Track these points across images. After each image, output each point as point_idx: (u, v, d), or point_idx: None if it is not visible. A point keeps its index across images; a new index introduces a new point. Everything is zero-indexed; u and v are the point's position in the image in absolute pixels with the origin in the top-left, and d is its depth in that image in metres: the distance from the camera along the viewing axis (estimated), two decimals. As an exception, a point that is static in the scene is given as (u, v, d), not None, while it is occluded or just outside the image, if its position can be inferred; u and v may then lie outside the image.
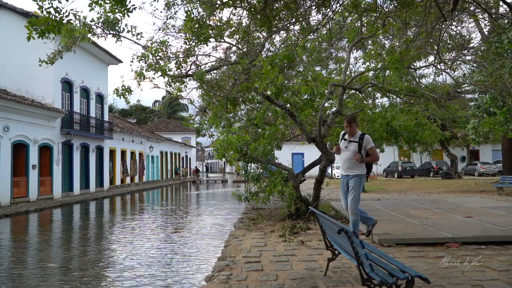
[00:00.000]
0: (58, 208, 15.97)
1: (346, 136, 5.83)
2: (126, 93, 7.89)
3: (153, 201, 20.02)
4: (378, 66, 9.40)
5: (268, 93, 8.39)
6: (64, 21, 3.96)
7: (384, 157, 22.37)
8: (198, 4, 7.03)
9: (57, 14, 3.87)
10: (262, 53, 8.94)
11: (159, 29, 8.55)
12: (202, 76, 7.80)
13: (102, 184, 25.01)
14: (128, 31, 7.67)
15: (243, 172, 9.89)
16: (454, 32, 9.67)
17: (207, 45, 7.21)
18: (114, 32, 7.53)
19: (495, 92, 10.49)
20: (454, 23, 8.78)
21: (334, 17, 8.16)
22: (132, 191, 25.02)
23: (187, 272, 6.03)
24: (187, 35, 7.14)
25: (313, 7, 6.38)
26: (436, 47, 6.92)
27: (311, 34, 8.43)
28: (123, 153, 29.16)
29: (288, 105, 9.03)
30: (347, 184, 5.74)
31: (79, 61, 21.53)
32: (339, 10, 7.55)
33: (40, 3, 3.81)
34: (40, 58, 8.00)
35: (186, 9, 6.66)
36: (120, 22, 7.48)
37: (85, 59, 22.71)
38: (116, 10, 4.28)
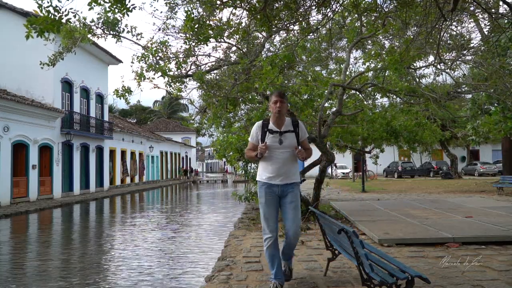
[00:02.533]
0: (58, 208, 15.97)
1: (272, 126, 3.98)
2: (126, 94, 7.89)
3: (153, 201, 20.02)
4: (378, 66, 9.40)
5: (268, 93, 8.39)
6: (63, 20, 3.96)
7: (384, 157, 22.32)
8: (198, 4, 7.03)
9: (56, 13, 3.87)
10: (262, 53, 8.94)
11: (159, 29, 8.56)
12: (202, 76, 7.80)
13: (102, 184, 25.01)
14: (128, 32, 7.68)
15: (243, 172, 9.89)
16: (454, 32, 9.67)
17: (207, 45, 7.21)
18: (114, 33, 7.53)
19: (492, 91, 10.48)
20: (454, 23, 8.78)
21: (334, 17, 8.15)
22: (132, 191, 25.02)
23: (187, 272, 6.02)
24: (187, 35, 7.14)
25: (313, 7, 6.38)
26: (436, 47, 6.91)
27: (311, 34, 8.42)
28: (123, 153, 29.17)
29: (288, 105, 9.03)
30: (282, 197, 3.97)
31: (79, 61, 21.53)
32: (339, 10, 7.54)
33: (40, 2, 3.80)
34: (41, 60, 8.03)
35: (186, 9, 6.66)
36: (120, 23, 7.48)
37: (85, 59, 22.72)
38: (116, 10, 4.27)
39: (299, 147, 3.99)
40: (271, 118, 4.05)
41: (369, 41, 10.79)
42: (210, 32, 6.53)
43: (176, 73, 7.99)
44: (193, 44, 7.49)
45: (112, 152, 27.10)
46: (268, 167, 3.97)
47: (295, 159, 3.98)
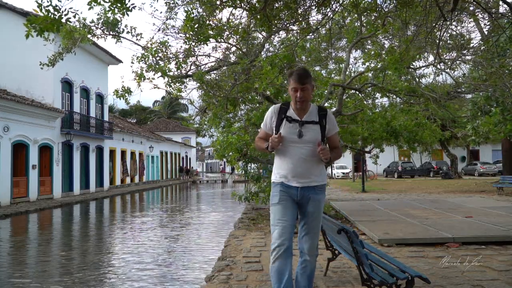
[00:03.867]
0: (58, 208, 15.96)
1: (292, 113, 3.07)
2: (126, 94, 7.90)
3: (153, 201, 20.02)
4: (378, 66, 9.40)
5: (268, 93, 8.39)
6: (63, 20, 3.96)
7: (384, 157, 22.31)
8: (198, 4, 7.03)
9: (56, 13, 3.86)
10: (262, 53, 8.94)
11: (159, 30, 8.56)
12: (202, 76, 7.80)
13: (102, 184, 25.00)
14: (128, 32, 7.68)
15: (243, 172, 9.89)
16: (454, 32, 9.67)
17: (207, 45, 7.22)
18: (114, 33, 7.53)
19: (492, 91, 10.50)
20: (454, 23, 8.79)
21: (333, 17, 8.15)
22: (132, 191, 25.02)
23: (187, 272, 6.02)
24: (187, 35, 7.14)
25: (313, 7, 6.38)
26: (436, 47, 6.91)
27: (311, 34, 8.43)
28: (123, 153, 29.16)
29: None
30: (301, 204, 3.08)
31: (79, 61, 21.51)
32: (339, 10, 7.55)
33: (39, 1, 3.80)
34: (41, 60, 8.05)
35: (186, 9, 6.66)
36: (119, 23, 7.48)
37: (85, 59, 22.70)
38: (116, 10, 4.27)
39: (324, 144, 3.03)
40: (292, 103, 3.11)
41: (369, 41, 10.79)
42: (210, 32, 6.53)
43: (176, 73, 8.00)
44: (193, 44, 7.50)
45: (112, 152, 27.09)
46: (282, 165, 3.08)
47: (319, 157, 3.01)
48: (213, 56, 12.29)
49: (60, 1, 3.96)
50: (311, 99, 3.18)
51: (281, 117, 3.08)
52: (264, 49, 9.46)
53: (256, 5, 5.76)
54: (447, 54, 9.78)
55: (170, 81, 8.00)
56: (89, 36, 7.33)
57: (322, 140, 3.03)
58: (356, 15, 8.25)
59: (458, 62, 9.64)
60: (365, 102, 12.49)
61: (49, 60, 8.03)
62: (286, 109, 3.09)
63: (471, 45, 10.24)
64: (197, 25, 6.32)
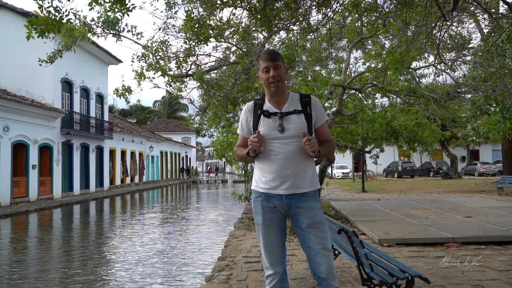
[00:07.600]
0: (58, 208, 15.97)
1: (269, 106, 2.58)
2: (126, 93, 7.90)
3: (153, 201, 20.02)
4: (379, 67, 9.41)
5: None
6: (64, 21, 3.96)
7: (384, 157, 22.31)
8: (198, 4, 7.03)
9: (57, 14, 3.87)
10: (262, 53, 8.93)
11: (159, 29, 8.56)
12: (202, 76, 7.80)
13: (102, 184, 25.01)
14: (128, 31, 7.68)
15: (243, 172, 9.89)
16: (454, 33, 9.68)
17: (207, 45, 7.23)
18: (114, 32, 7.53)
19: (492, 91, 10.51)
20: (454, 24, 8.80)
21: (334, 17, 8.16)
22: (132, 191, 25.02)
23: (187, 272, 6.03)
24: (187, 35, 7.14)
25: (313, 7, 6.38)
26: (436, 47, 6.92)
27: (311, 34, 8.43)
28: (123, 153, 29.16)
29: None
30: (292, 217, 2.53)
31: (79, 61, 21.52)
32: (339, 10, 7.55)
33: (40, 2, 3.81)
34: (40, 58, 8.02)
35: (186, 8, 6.66)
36: (120, 22, 7.48)
37: (85, 59, 22.71)
38: (116, 10, 4.28)
39: (311, 136, 2.47)
40: (266, 94, 2.64)
41: (370, 41, 10.80)
42: (210, 32, 6.53)
43: (176, 72, 8.00)
44: (193, 44, 7.50)
45: (112, 152, 27.10)
46: (265, 168, 2.54)
47: (308, 154, 2.47)
48: (214, 56, 12.27)
49: (61, 2, 3.96)
50: (286, 81, 2.69)
51: (257, 113, 2.59)
52: (265, 49, 9.48)
53: (256, 5, 5.77)
54: (447, 54, 9.79)
55: (170, 81, 8.00)
56: (89, 34, 7.33)
57: (309, 132, 2.51)
58: (356, 15, 8.25)
59: (458, 62, 9.65)
60: (365, 102, 12.49)
61: (48, 57, 8.00)
62: (262, 103, 2.60)
63: (471, 45, 10.26)
64: (197, 25, 6.31)
